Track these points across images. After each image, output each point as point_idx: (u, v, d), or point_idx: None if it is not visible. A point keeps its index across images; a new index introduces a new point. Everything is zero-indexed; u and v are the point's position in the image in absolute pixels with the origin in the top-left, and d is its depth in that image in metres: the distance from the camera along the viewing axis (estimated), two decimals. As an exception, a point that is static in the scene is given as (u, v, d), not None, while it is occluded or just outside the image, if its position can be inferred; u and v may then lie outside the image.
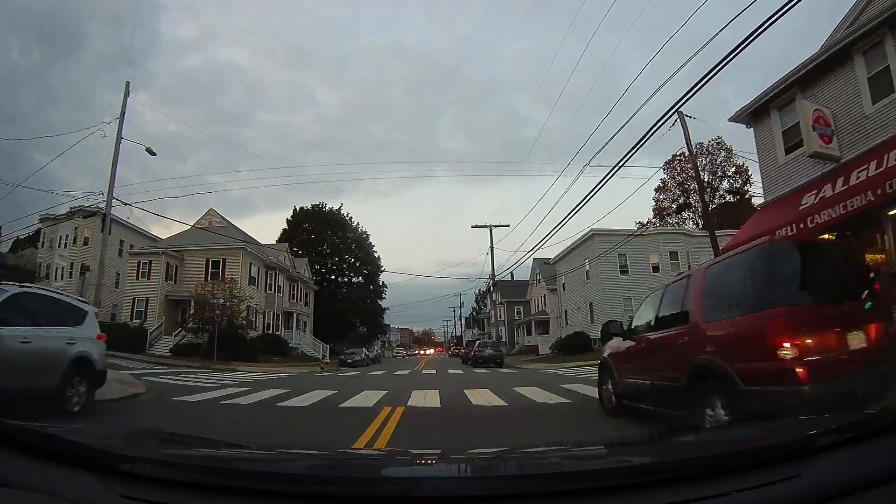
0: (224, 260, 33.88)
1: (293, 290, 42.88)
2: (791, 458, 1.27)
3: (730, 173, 46.33)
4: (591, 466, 1.67)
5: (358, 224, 58.28)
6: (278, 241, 50.30)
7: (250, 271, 35.06)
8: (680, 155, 53.40)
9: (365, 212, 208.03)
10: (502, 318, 60.78)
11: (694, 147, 53.48)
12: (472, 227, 36.50)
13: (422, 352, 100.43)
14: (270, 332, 36.38)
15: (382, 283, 61.16)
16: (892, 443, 1.28)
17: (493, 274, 35.45)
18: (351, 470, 1.76)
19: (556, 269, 42.43)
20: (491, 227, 35.86)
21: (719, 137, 45.32)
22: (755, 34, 7.84)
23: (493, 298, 36.84)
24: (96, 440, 1.68)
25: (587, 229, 33.10)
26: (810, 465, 1.23)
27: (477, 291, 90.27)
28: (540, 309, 50.07)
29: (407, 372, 22.97)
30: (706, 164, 53.68)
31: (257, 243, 39.38)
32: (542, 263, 48.62)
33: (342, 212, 56.96)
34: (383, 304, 63.17)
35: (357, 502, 1.24)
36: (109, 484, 1.24)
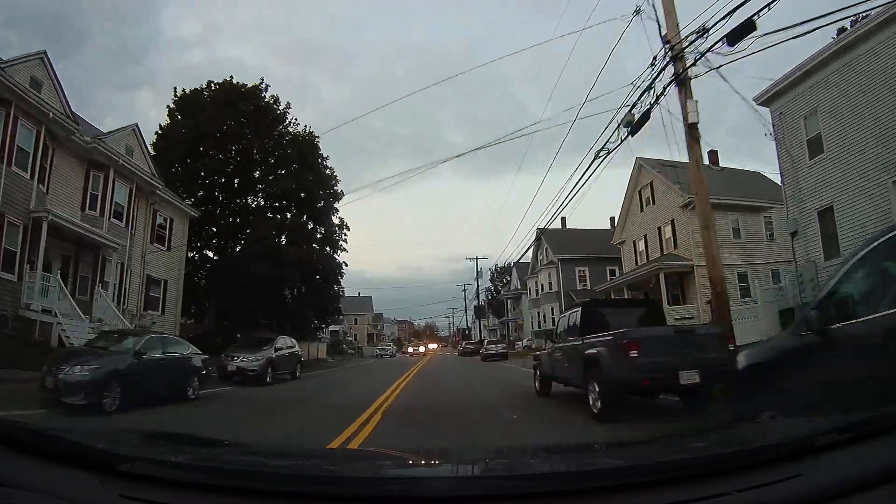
0: None
1: (85, 184, 17.70)
2: (791, 458, 1.25)
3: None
4: (592, 466, 1.64)
5: (294, 120, 31.62)
6: (154, 148, 25.15)
7: None
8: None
9: (368, 206, 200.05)
10: (553, 288, 35.23)
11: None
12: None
13: (411, 350, 67.07)
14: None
15: (342, 222, 32.32)
16: (893, 443, 1.25)
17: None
18: (351, 469, 1.72)
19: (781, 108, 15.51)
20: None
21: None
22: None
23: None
24: (96, 440, 1.61)
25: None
26: (810, 465, 1.21)
27: (493, 268, 64.40)
28: (665, 252, 24.33)
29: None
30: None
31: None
32: (670, 167, 23.46)
33: (266, 94, 28.66)
34: (342, 260, 32.81)
35: (357, 502, 1.22)
36: (109, 484, 1.22)
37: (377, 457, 2.27)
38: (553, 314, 35.64)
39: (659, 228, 24.54)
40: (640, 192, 26.03)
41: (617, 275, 32.13)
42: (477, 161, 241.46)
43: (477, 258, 55.28)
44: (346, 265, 32.77)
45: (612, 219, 42.48)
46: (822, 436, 1.33)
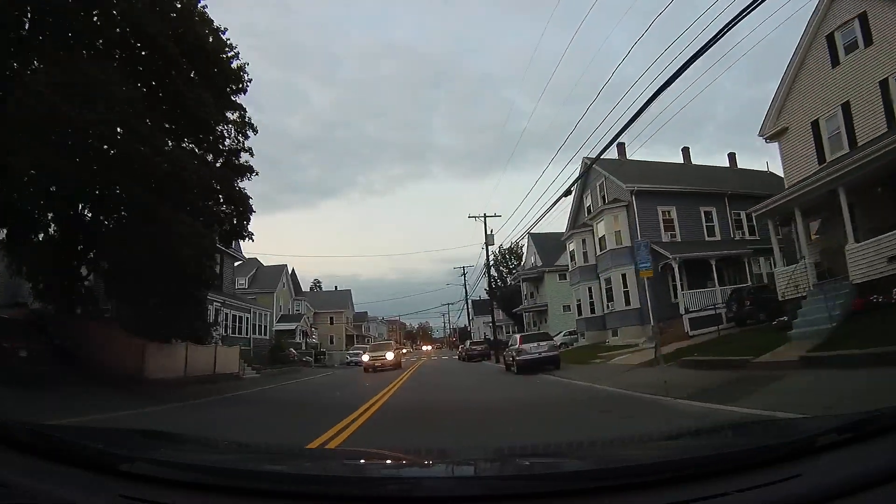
0: None
1: None
2: (791, 458, 1.24)
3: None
4: (592, 466, 1.62)
5: None
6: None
7: None
8: None
9: (361, 211, 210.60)
10: (622, 242, 24.03)
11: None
12: None
13: (367, 357, 28.91)
14: None
15: (243, 119, 16.16)
16: (893, 443, 1.24)
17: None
18: (352, 469, 1.73)
19: None
20: None
21: None
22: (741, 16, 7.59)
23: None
24: (96, 440, 1.60)
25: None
26: (810, 465, 1.20)
27: (497, 252, 51.79)
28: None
29: None
30: None
31: None
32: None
33: None
34: (242, 186, 16.59)
35: (358, 502, 1.20)
36: (109, 484, 1.21)
37: (378, 457, 2.23)
38: (625, 284, 23.46)
39: (884, 83, 13.12)
40: (830, 37, 14.66)
41: (712, 218, 20.88)
42: (471, 162, 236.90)
43: (485, 216, 32.59)
44: (248, 194, 16.28)
45: (686, 149, 31.00)
46: (822, 436, 1.33)
